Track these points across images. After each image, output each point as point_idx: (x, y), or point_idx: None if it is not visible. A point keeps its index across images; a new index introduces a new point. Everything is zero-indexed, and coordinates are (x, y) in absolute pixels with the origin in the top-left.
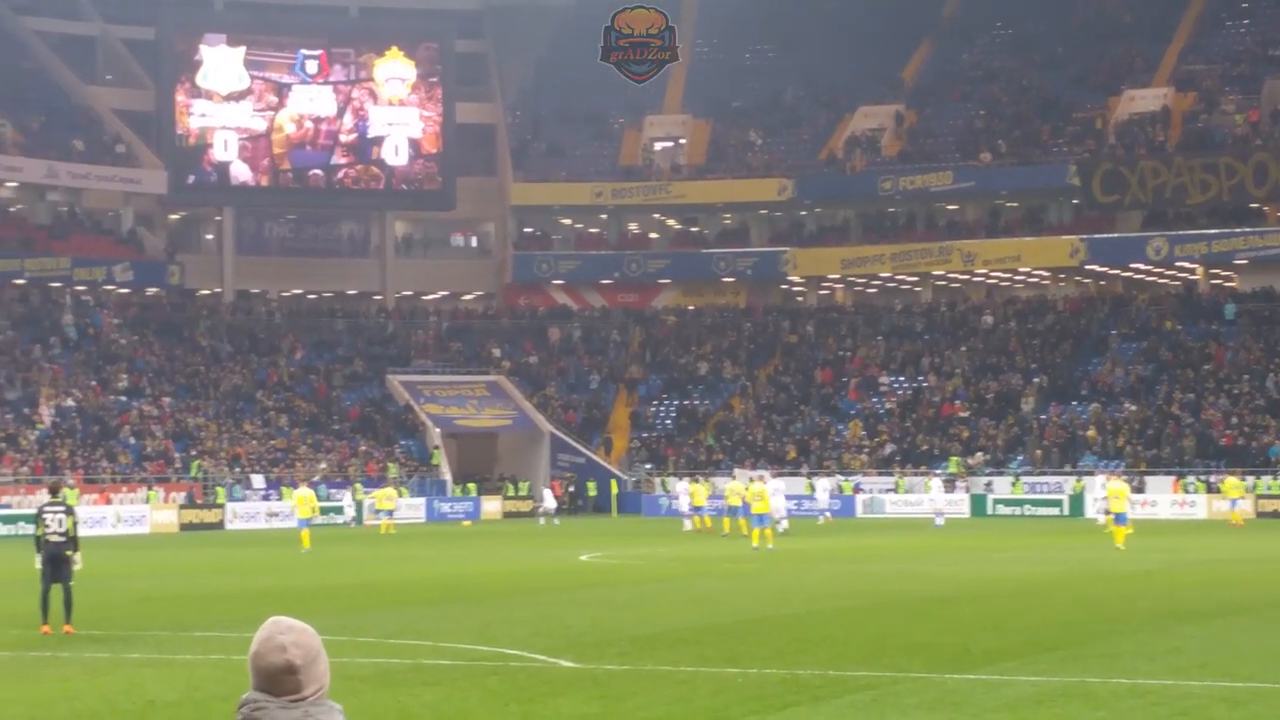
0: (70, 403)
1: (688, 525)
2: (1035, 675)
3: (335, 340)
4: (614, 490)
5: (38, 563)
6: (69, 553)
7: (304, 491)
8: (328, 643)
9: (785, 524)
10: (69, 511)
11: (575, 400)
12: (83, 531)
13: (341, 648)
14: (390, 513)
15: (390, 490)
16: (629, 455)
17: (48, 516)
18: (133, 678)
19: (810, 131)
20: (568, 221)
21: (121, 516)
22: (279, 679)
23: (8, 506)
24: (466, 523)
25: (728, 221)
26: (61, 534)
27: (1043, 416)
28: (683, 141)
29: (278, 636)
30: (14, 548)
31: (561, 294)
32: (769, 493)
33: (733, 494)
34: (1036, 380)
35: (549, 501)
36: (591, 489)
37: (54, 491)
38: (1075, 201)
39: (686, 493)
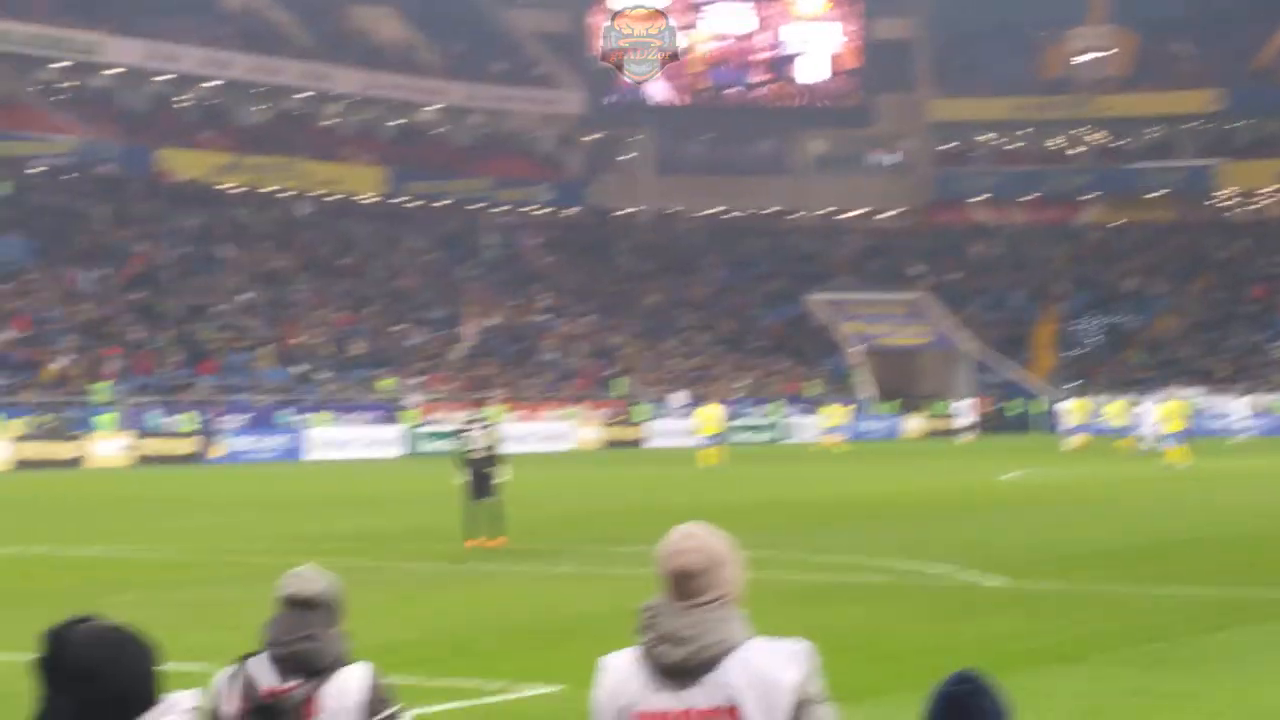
0: (493, 322)
1: (1070, 443)
2: None
3: (755, 258)
4: (1036, 409)
5: (461, 478)
6: (491, 468)
7: (710, 409)
8: (752, 559)
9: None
10: (491, 426)
11: (997, 318)
12: (509, 449)
13: (765, 564)
14: (838, 429)
15: (838, 408)
16: (1052, 373)
17: (470, 432)
18: (562, 591)
19: (1243, 41)
20: (988, 137)
21: (545, 434)
22: (678, 583)
23: (435, 423)
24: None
25: (1154, 135)
26: (484, 449)
27: None
28: (1108, 53)
29: (679, 542)
30: (441, 463)
31: (982, 210)
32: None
33: (1114, 414)
34: None
35: (966, 417)
36: (1013, 407)
37: (475, 408)
38: None
39: (1069, 411)
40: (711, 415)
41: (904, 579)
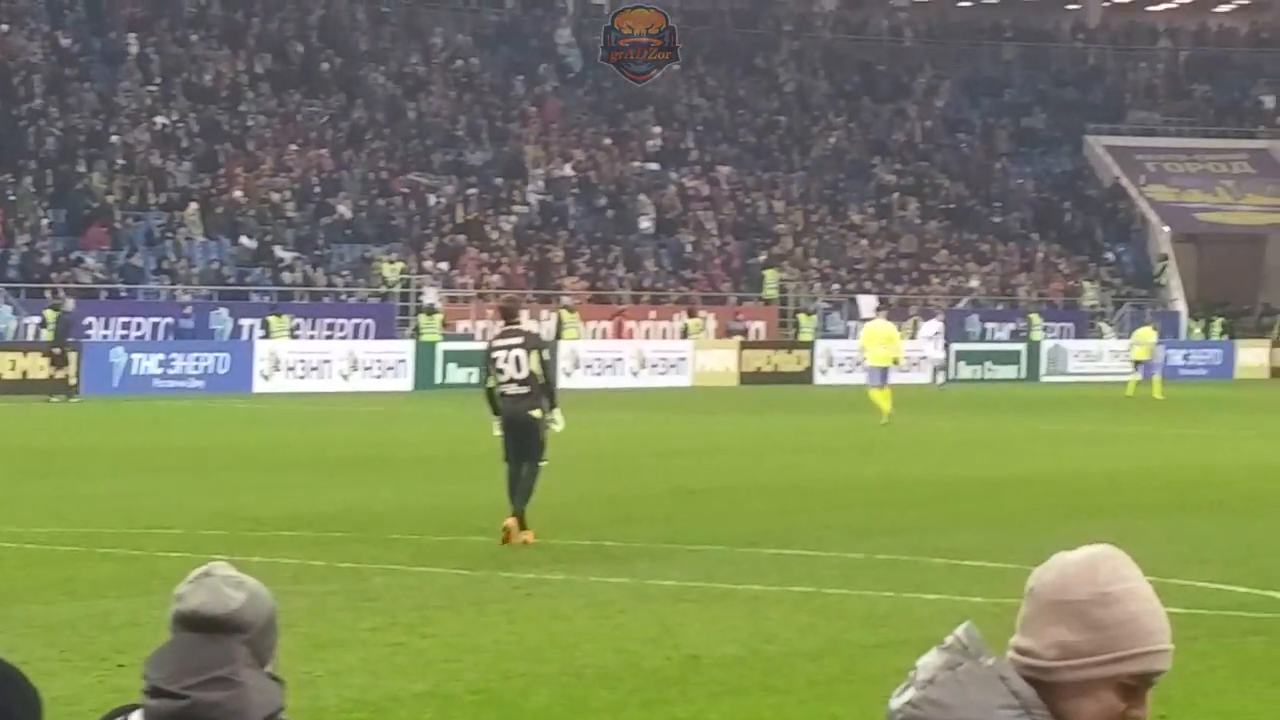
0: (565, 170)
1: None
2: None
3: (1000, 76)
4: None
5: (497, 429)
6: (534, 412)
7: (879, 325)
8: None
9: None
10: (534, 349)
11: None
12: (570, 382)
13: (1002, 580)
14: (1148, 365)
15: (1148, 331)
16: None
17: (503, 354)
18: (650, 616)
19: None
20: None
21: (648, 359)
22: None
23: (464, 338)
24: None
25: None
26: (523, 382)
27: None
28: None
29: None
30: (468, 403)
31: None
32: None
33: None
34: None
35: None
36: None
37: (508, 317)
38: None
39: None
40: (882, 334)
41: (1236, 612)
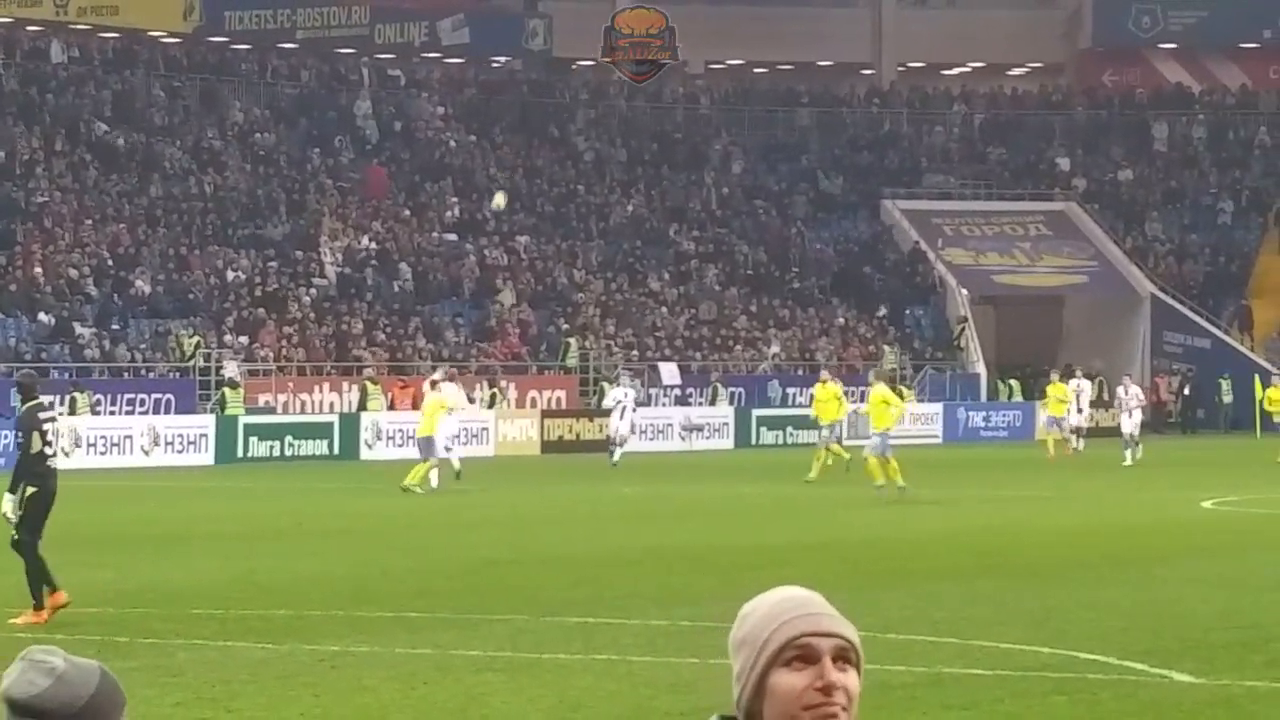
0: (364, 242)
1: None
2: None
3: (797, 143)
4: (1258, 393)
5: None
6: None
7: (442, 394)
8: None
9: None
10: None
11: (1195, 243)
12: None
13: None
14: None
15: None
16: None
17: (49, 428)
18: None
19: None
20: None
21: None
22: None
23: (264, 410)
24: None
25: None
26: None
27: None
28: None
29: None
30: (264, 474)
31: (1173, 67)
32: None
33: None
34: None
35: (1135, 409)
36: (1223, 391)
37: (30, 393)
38: None
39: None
40: (437, 404)
41: (1036, 671)
